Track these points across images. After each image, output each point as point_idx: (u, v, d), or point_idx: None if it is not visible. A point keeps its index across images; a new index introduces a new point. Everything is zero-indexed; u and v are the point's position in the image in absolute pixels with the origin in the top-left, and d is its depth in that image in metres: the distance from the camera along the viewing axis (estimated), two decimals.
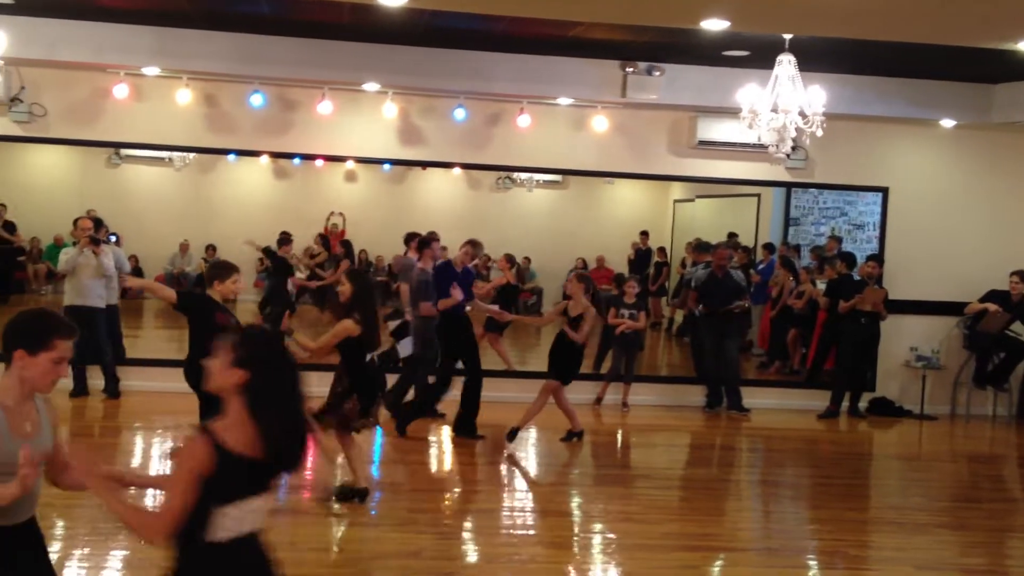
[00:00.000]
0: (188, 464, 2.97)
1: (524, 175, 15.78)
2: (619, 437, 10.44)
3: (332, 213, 16.14)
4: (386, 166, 14.22)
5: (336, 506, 7.06)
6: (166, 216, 15.93)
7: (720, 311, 11.18)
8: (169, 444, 8.56)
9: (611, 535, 6.91)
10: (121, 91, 10.51)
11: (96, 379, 10.22)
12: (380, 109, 10.90)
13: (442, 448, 9.43)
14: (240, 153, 12.37)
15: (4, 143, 11.32)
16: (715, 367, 11.40)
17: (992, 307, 11.33)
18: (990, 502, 8.58)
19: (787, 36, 7.88)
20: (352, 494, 7.09)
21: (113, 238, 11.18)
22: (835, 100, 8.61)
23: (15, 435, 3.33)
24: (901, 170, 11.83)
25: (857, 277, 11.48)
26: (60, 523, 6.18)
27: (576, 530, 7.15)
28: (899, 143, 11.80)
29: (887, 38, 8.01)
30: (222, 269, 7.02)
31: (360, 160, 12.27)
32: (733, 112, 8.50)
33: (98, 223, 10.43)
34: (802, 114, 7.90)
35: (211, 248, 15.09)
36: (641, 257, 16.04)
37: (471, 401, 9.36)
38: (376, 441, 9.11)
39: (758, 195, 14.07)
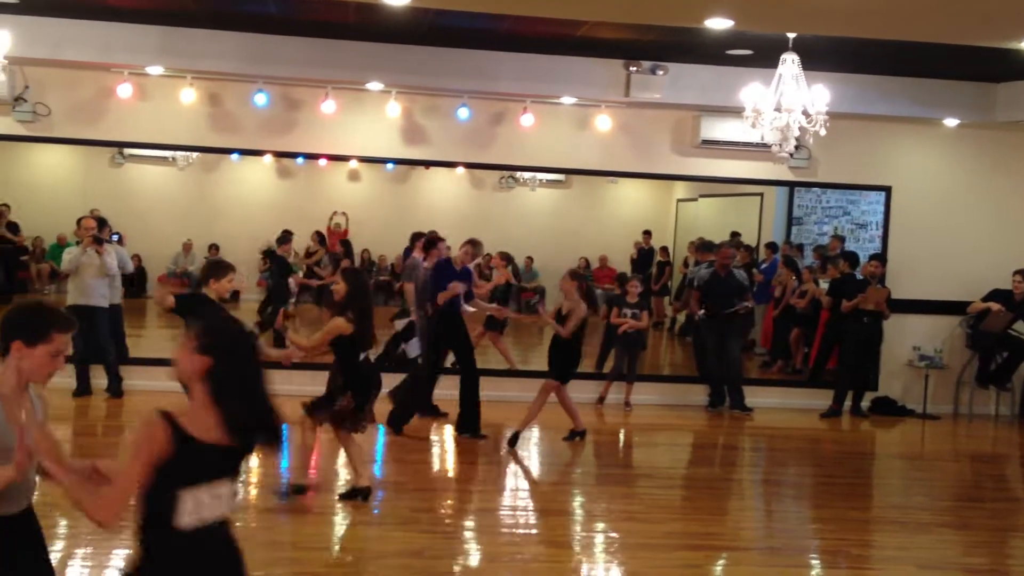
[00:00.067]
0: (143, 446, 2.98)
1: (527, 174, 15.77)
2: (621, 436, 10.45)
3: (335, 213, 16.15)
4: (389, 165, 14.23)
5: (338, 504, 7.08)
6: (169, 215, 15.95)
7: (724, 312, 11.18)
8: None
9: (613, 534, 6.91)
10: (125, 90, 10.53)
11: (99, 378, 10.24)
12: (384, 108, 10.91)
13: (444, 447, 9.44)
14: (244, 152, 12.38)
15: (8, 142, 11.34)
16: (717, 366, 11.40)
17: (995, 306, 11.33)
18: (993, 501, 8.58)
19: (791, 35, 7.88)
20: (355, 493, 7.10)
21: (116, 237, 11.19)
22: (838, 99, 8.60)
23: (11, 423, 3.36)
24: (904, 169, 11.82)
25: (860, 276, 11.47)
26: (63, 522, 6.19)
27: (578, 529, 7.16)
28: (902, 142, 11.80)
29: (890, 37, 8.00)
30: (218, 268, 7.03)
31: (363, 159, 12.28)
32: (736, 111, 8.50)
33: (101, 222, 10.44)
34: (805, 113, 7.90)
35: (214, 247, 15.11)
36: (644, 256, 16.04)
37: (469, 399, 9.35)
38: (378, 440, 9.12)
39: (761, 194, 14.05)
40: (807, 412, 11.48)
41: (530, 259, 16.51)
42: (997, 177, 11.91)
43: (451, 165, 12.78)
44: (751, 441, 10.57)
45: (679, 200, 16.57)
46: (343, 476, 7.78)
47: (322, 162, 13.92)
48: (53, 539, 5.85)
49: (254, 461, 8.36)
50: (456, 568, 6.14)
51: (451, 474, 8.67)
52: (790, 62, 7.86)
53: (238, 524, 6.65)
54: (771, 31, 8.13)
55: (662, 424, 10.87)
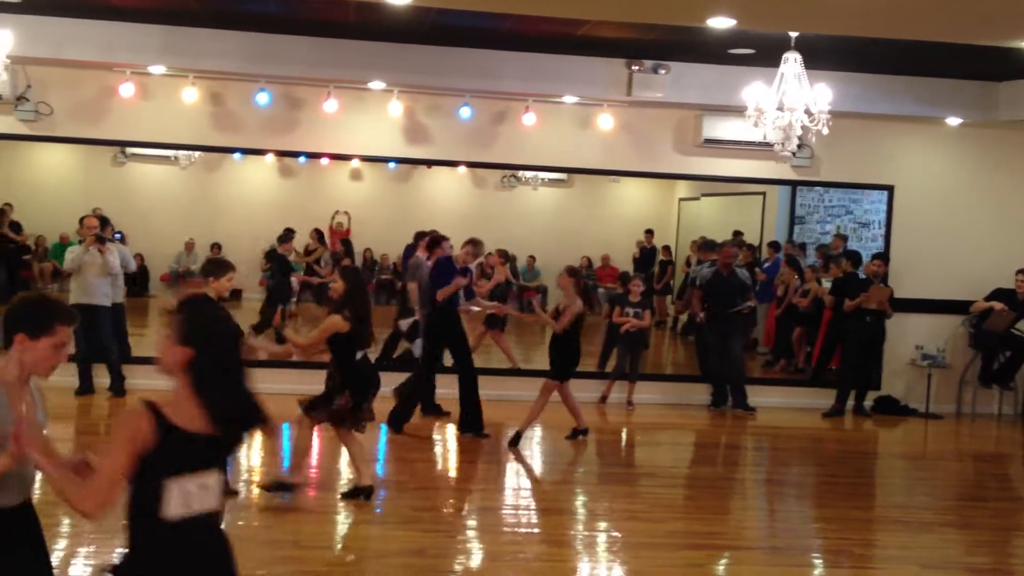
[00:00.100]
0: (127, 437, 2.99)
1: (529, 173, 15.77)
2: (624, 435, 10.45)
3: (337, 212, 16.16)
4: (391, 165, 14.23)
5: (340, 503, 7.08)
6: (172, 214, 15.97)
7: (727, 312, 11.17)
8: None
9: (616, 533, 6.91)
10: (127, 90, 10.53)
11: (102, 377, 10.25)
12: (386, 107, 10.91)
13: (446, 446, 9.44)
14: (246, 152, 12.39)
15: (10, 142, 11.36)
16: (720, 366, 11.39)
17: (998, 306, 11.31)
18: (995, 501, 8.58)
19: (793, 34, 7.87)
20: (357, 492, 7.11)
21: (119, 236, 11.20)
22: (840, 98, 8.60)
23: (13, 411, 3.38)
24: (906, 168, 11.81)
25: (862, 275, 11.46)
26: (66, 520, 6.19)
27: (580, 528, 7.15)
28: (904, 141, 11.79)
29: (893, 36, 7.99)
30: (218, 266, 7.03)
31: (365, 158, 12.29)
32: (739, 110, 8.50)
33: (104, 221, 10.45)
34: (808, 112, 7.89)
35: (216, 246, 15.11)
36: (646, 255, 16.04)
37: (469, 398, 9.35)
38: (380, 439, 9.12)
39: (763, 193, 14.05)
40: (810, 411, 11.47)
41: (532, 258, 16.51)
42: (1000, 176, 11.89)
43: (453, 164, 12.78)
44: (753, 440, 10.57)
45: (681, 199, 16.56)
46: (345, 475, 7.78)
47: (324, 161, 13.93)
48: (56, 537, 5.86)
49: (256, 460, 8.37)
50: (458, 567, 6.13)
51: (453, 473, 8.67)
52: (792, 61, 7.85)
53: (240, 522, 6.70)
54: (773, 30, 8.12)
55: (664, 423, 10.87)
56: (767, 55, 8.75)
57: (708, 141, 11.22)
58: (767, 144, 8.57)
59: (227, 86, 10.81)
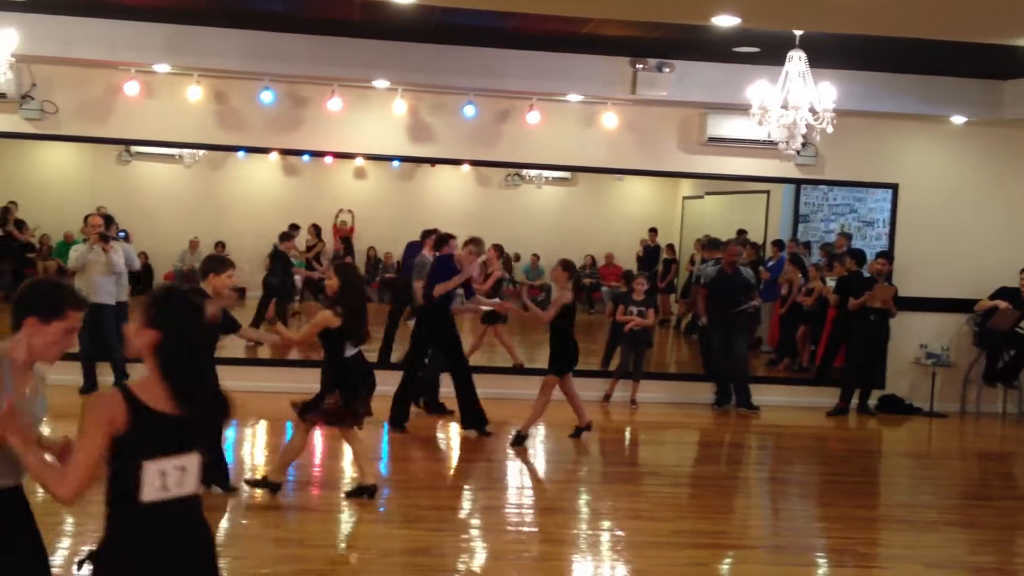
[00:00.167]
0: (100, 419, 3.00)
1: (533, 172, 15.75)
2: (628, 434, 10.44)
3: (341, 210, 16.14)
4: (395, 163, 14.21)
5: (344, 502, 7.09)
6: (176, 213, 15.96)
7: (731, 311, 11.17)
8: None
9: (620, 532, 6.91)
10: (132, 88, 10.55)
11: (106, 376, 10.26)
12: (390, 106, 10.92)
13: (450, 445, 9.44)
14: (250, 150, 12.40)
15: (15, 140, 11.37)
16: (724, 364, 11.38)
17: (1002, 304, 11.30)
18: (1000, 500, 8.56)
19: (797, 32, 7.86)
20: (361, 491, 7.11)
21: (123, 235, 11.21)
22: (845, 96, 8.59)
23: (17, 391, 3.40)
24: (911, 167, 11.79)
25: (867, 274, 11.44)
26: (69, 520, 6.20)
27: (584, 527, 7.15)
28: (909, 139, 11.77)
29: (897, 34, 7.98)
30: (218, 263, 7.03)
31: (369, 157, 12.29)
32: (743, 109, 8.49)
33: (108, 220, 10.46)
34: (812, 110, 7.88)
35: (221, 245, 15.11)
36: (650, 254, 16.01)
37: (466, 395, 9.35)
38: (383, 438, 9.13)
39: (768, 192, 14.03)
40: (814, 410, 11.46)
41: (536, 256, 16.50)
42: (1004, 174, 11.87)
43: (457, 163, 12.78)
44: (757, 439, 10.56)
45: (685, 197, 16.53)
46: (349, 474, 7.79)
47: (328, 160, 13.92)
48: (60, 536, 5.87)
49: (260, 459, 8.38)
50: (462, 566, 6.14)
51: (457, 472, 8.66)
52: (797, 59, 7.84)
53: (244, 521, 6.72)
54: (778, 28, 8.11)
55: (668, 422, 10.87)
56: (772, 53, 8.74)
57: (712, 139, 11.21)
58: (771, 142, 8.57)
59: (231, 85, 10.82)
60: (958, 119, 11.45)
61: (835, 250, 12.84)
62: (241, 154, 14.40)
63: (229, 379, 10.44)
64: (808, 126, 7.92)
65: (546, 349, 9.21)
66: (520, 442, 8.97)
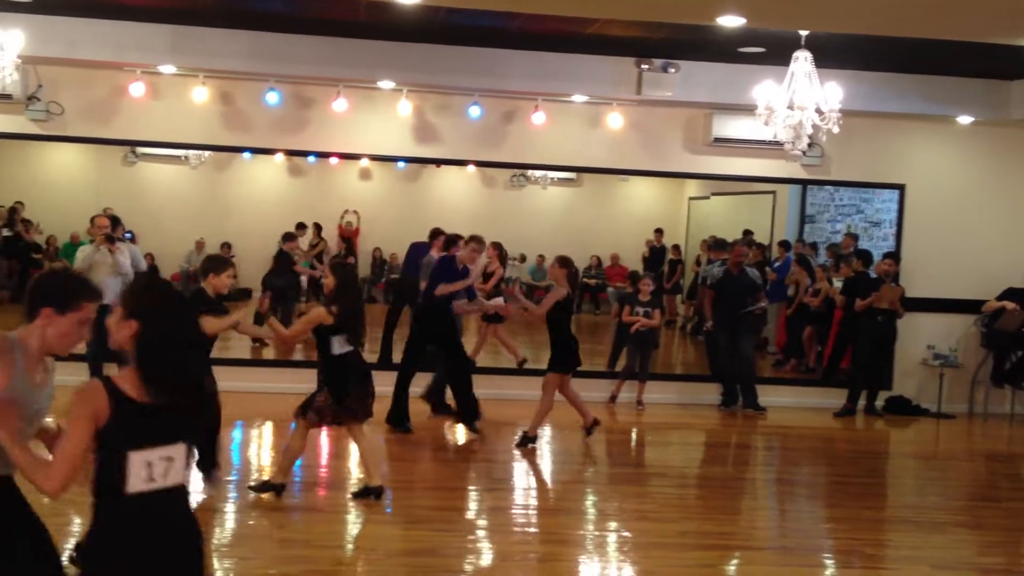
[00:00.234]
0: (82, 411, 3.00)
1: (538, 173, 15.78)
2: (634, 435, 10.43)
3: (346, 211, 16.18)
4: (400, 164, 14.23)
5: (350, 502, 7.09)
6: (182, 214, 16.00)
7: (738, 313, 11.15)
8: None
9: (626, 533, 6.89)
10: (138, 89, 10.56)
11: None
12: (395, 107, 10.92)
13: (457, 446, 9.43)
14: (255, 151, 12.41)
15: (21, 141, 11.40)
16: (730, 365, 11.37)
17: (1010, 305, 11.27)
18: (1008, 501, 8.53)
19: (803, 32, 7.85)
20: (368, 492, 7.10)
21: (129, 236, 11.23)
22: (851, 97, 8.56)
23: (28, 380, 3.41)
24: (918, 167, 11.77)
25: (874, 275, 11.42)
26: (77, 520, 6.20)
27: (591, 528, 7.13)
28: (916, 140, 11.74)
29: (903, 34, 7.96)
30: (218, 263, 7.03)
31: (375, 158, 12.28)
32: (749, 109, 8.47)
33: (115, 221, 10.46)
34: (818, 111, 7.86)
35: (226, 245, 15.14)
36: (656, 255, 16.02)
37: (462, 388, 9.33)
38: (391, 439, 9.13)
39: (774, 192, 14.02)
40: (821, 411, 11.43)
41: (541, 257, 16.50)
42: (1011, 175, 11.84)
43: (462, 163, 12.79)
44: (764, 440, 10.54)
45: (691, 198, 16.54)
46: (356, 474, 7.79)
47: (333, 160, 13.96)
48: (66, 536, 5.86)
49: (265, 458, 8.38)
50: (468, 567, 6.13)
51: (463, 473, 8.65)
52: (803, 59, 7.83)
53: (251, 522, 6.72)
54: (783, 28, 8.10)
55: (675, 423, 10.85)
56: (777, 54, 8.73)
57: (718, 140, 11.19)
58: (777, 143, 8.54)
59: (237, 85, 10.83)
60: (965, 119, 11.42)
61: (842, 251, 12.83)
62: (246, 155, 14.44)
63: (234, 380, 10.49)
64: (814, 126, 7.90)
65: (548, 349, 9.18)
66: (526, 443, 8.95)
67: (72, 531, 6.04)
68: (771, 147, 10.21)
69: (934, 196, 11.75)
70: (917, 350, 11.76)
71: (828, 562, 6.64)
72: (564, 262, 9.03)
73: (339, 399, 6.92)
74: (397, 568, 5.99)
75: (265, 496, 7.07)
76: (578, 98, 11.08)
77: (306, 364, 10.78)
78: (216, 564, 5.86)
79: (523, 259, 16.75)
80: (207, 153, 14.82)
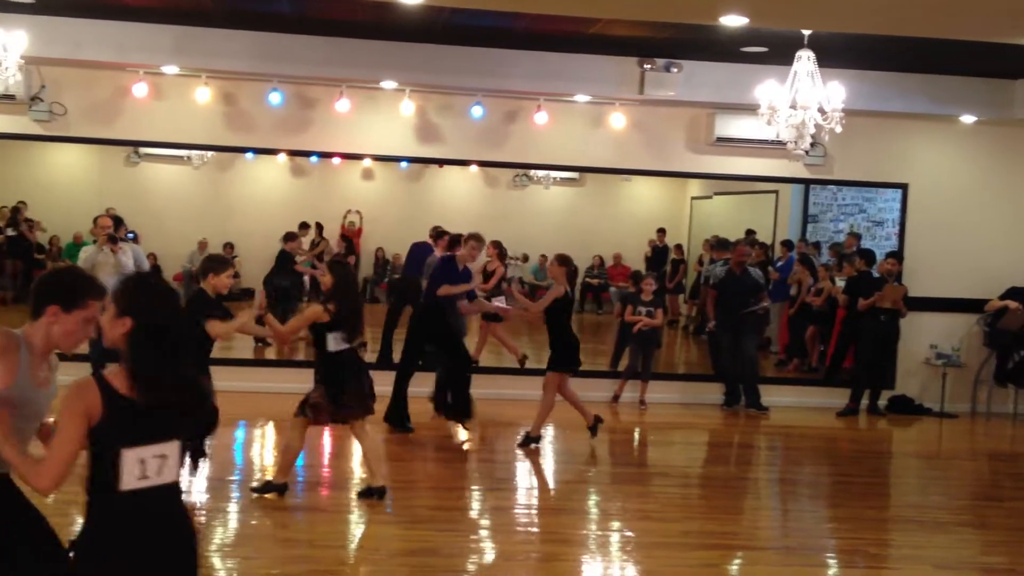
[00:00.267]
0: (74, 409, 2.99)
1: (541, 172, 15.75)
2: (637, 435, 10.43)
3: (349, 211, 16.17)
4: (403, 164, 14.23)
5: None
6: (185, 214, 15.99)
7: (741, 312, 11.14)
8: None
9: (629, 533, 6.89)
10: (140, 90, 10.57)
11: None
12: (398, 107, 10.92)
13: (459, 445, 9.43)
14: (258, 151, 12.42)
15: (25, 141, 11.40)
16: (733, 365, 11.36)
17: (1013, 304, 11.27)
18: (1011, 500, 8.53)
19: (806, 32, 7.84)
20: (371, 492, 7.11)
21: (132, 236, 11.23)
22: (854, 96, 8.56)
23: (32, 379, 3.40)
24: (921, 166, 11.76)
25: (876, 274, 11.41)
26: (80, 520, 6.20)
27: (593, 528, 7.14)
28: (919, 139, 11.73)
29: (906, 33, 7.95)
30: (217, 263, 7.03)
31: (377, 158, 12.29)
32: (751, 109, 8.47)
33: (117, 221, 10.48)
34: (821, 110, 7.86)
35: (229, 245, 15.15)
36: (658, 254, 16.00)
37: (459, 387, 9.33)
38: (393, 439, 9.13)
39: (776, 192, 14.00)
40: (823, 411, 11.43)
41: (544, 257, 16.47)
42: (1015, 174, 11.83)
43: (465, 163, 12.78)
44: (767, 440, 10.53)
45: (693, 198, 16.52)
46: (359, 474, 7.79)
47: (336, 161, 13.94)
48: (69, 536, 5.86)
49: (268, 459, 8.38)
50: (471, 567, 6.13)
51: (466, 473, 8.65)
52: (805, 59, 7.83)
53: (254, 522, 6.72)
54: (786, 28, 8.09)
55: (677, 423, 10.85)
56: (780, 53, 8.73)
57: (720, 139, 11.19)
58: (780, 142, 8.54)
59: (240, 86, 10.84)
60: (968, 119, 11.41)
61: (844, 250, 12.81)
62: (249, 155, 14.42)
63: (237, 380, 10.51)
64: (817, 126, 7.90)
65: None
66: (529, 443, 8.95)
67: (75, 531, 6.05)
68: (774, 147, 10.21)
69: (937, 195, 11.73)
70: (920, 349, 11.75)
71: (831, 562, 6.64)
72: (563, 260, 9.02)
73: (335, 396, 6.93)
74: (400, 568, 5.99)
75: (268, 496, 7.08)
76: (581, 98, 11.08)
77: (308, 364, 10.76)
78: (219, 564, 5.88)
79: (526, 259, 16.74)
80: (210, 153, 14.80)
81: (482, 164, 12.81)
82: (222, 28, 10.02)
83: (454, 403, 9.37)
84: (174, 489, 3.17)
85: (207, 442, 7.29)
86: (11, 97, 10.10)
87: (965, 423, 11.47)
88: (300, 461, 7.58)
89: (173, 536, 3.16)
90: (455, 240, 9.80)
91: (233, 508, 6.97)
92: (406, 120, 11.03)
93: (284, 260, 13.47)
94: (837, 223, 13.88)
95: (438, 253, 10.20)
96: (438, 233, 10.57)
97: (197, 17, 9.68)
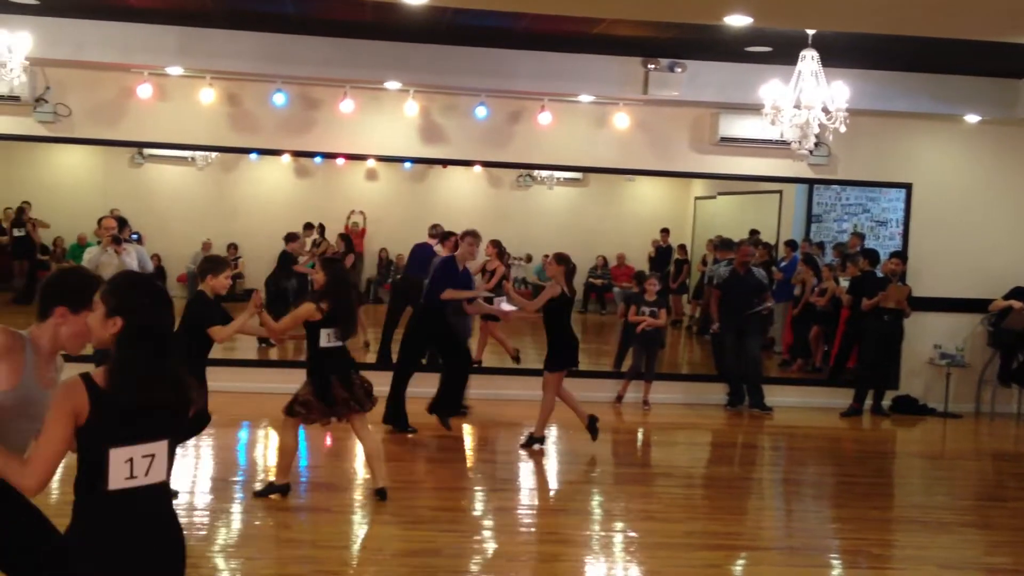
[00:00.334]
0: (62, 409, 2.99)
1: (545, 173, 15.74)
2: (640, 435, 10.42)
3: (353, 212, 16.18)
4: (407, 164, 14.24)
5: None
6: (189, 215, 16.01)
7: (745, 313, 11.14)
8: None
9: (632, 534, 6.89)
10: (145, 91, 10.59)
11: None
12: (401, 107, 10.93)
13: (463, 446, 9.44)
14: (262, 152, 12.43)
15: (29, 143, 11.41)
16: (736, 365, 11.36)
17: (1017, 304, 11.25)
18: (1015, 500, 8.51)
19: (810, 32, 7.84)
20: (374, 492, 7.11)
21: (136, 237, 11.24)
22: (858, 96, 8.56)
23: (38, 380, 3.41)
24: (925, 166, 11.74)
25: (880, 274, 11.40)
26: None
27: (597, 529, 7.14)
28: (922, 139, 11.72)
29: (911, 33, 7.95)
30: (216, 264, 7.03)
31: (381, 158, 12.30)
32: (755, 108, 8.47)
33: (122, 222, 10.48)
34: (825, 110, 7.84)
35: (233, 246, 15.17)
36: (662, 254, 15.98)
37: (453, 385, 9.32)
38: (394, 439, 9.13)
39: (780, 192, 13.98)
40: (827, 411, 11.42)
41: (547, 257, 16.47)
42: (1019, 174, 11.82)
43: (469, 164, 12.78)
44: (771, 440, 10.53)
45: (697, 198, 16.50)
46: (362, 475, 7.80)
47: (340, 161, 13.95)
48: None
49: (272, 459, 8.39)
50: (474, 567, 6.13)
51: (469, 473, 8.66)
52: (809, 59, 7.81)
53: (257, 522, 6.73)
54: (790, 28, 8.09)
55: (681, 423, 10.84)
56: (784, 53, 8.72)
57: (724, 139, 11.18)
58: (784, 142, 8.54)
59: (244, 87, 10.85)
60: (972, 118, 11.40)
61: (848, 250, 12.80)
62: (253, 156, 14.45)
63: (239, 380, 10.51)
64: (821, 126, 7.89)
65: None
66: (532, 444, 8.95)
67: None
68: (778, 146, 10.22)
69: (941, 195, 11.72)
70: (924, 349, 11.74)
71: (835, 562, 6.64)
72: (561, 259, 9.02)
73: (323, 392, 6.93)
74: (403, 568, 6.00)
75: (272, 497, 7.09)
76: (584, 98, 11.08)
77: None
78: (223, 565, 5.89)
79: (529, 259, 16.73)
80: (214, 154, 14.82)
81: (486, 164, 12.81)
82: (226, 29, 10.03)
83: (443, 398, 9.35)
84: (162, 489, 3.16)
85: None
86: (16, 98, 10.14)
87: (969, 423, 11.46)
88: (303, 462, 7.59)
89: (161, 536, 3.16)
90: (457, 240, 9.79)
91: (236, 509, 6.98)
92: (410, 121, 11.04)
93: (286, 261, 13.48)
94: (841, 223, 13.86)
95: (444, 253, 10.19)
96: (440, 232, 10.57)
97: (201, 18, 9.69)
